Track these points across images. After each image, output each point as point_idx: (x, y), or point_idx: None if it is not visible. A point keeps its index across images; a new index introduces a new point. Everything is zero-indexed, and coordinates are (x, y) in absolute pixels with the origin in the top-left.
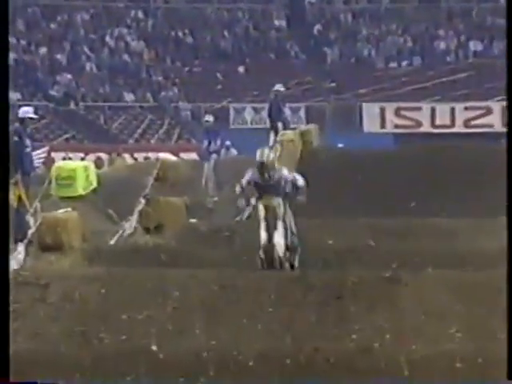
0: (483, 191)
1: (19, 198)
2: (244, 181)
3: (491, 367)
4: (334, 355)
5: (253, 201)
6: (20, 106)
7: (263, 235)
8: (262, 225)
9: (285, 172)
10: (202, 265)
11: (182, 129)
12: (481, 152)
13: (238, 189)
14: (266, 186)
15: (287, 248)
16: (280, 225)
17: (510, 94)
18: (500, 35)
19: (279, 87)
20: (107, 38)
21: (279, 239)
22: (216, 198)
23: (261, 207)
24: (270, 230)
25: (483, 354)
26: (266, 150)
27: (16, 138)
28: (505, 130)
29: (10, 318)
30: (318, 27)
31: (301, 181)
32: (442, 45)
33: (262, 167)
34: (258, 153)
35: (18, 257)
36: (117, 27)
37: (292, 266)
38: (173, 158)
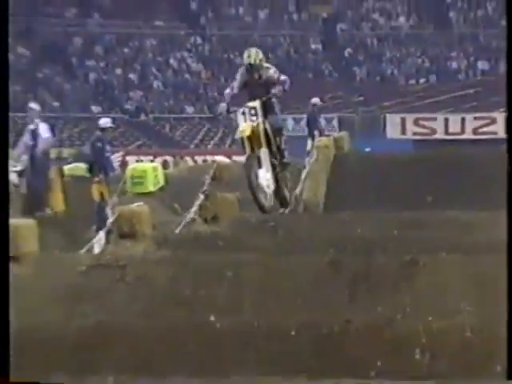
0: (489, 188)
1: (101, 194)
2: (236, 83)
3: (495, 337)
4: (363, 325)
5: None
6: (100, 118)
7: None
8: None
9: (271, 71)
10: (250, 250)
11: (234, 135)
12: (486, 155)
13: (227, 91)
14: (255, 86)
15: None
16: (263, 155)
17: (510, 98)
18: (504, 56)
19: (316, 101)
20: (171, 61)
21: (265, 177)
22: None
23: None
24: (254, 168)
25: (489, 326)
26: (254, 50)
27: (99, 144)
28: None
29: (9, 317)
30: (348, 50)
31: (283, 76)
32: (454, 65)
33: (252, 68)
34: (246, 53)
35: (99, 242)
36: (179, 51)
37: (284, 203)
38: (227, 160)
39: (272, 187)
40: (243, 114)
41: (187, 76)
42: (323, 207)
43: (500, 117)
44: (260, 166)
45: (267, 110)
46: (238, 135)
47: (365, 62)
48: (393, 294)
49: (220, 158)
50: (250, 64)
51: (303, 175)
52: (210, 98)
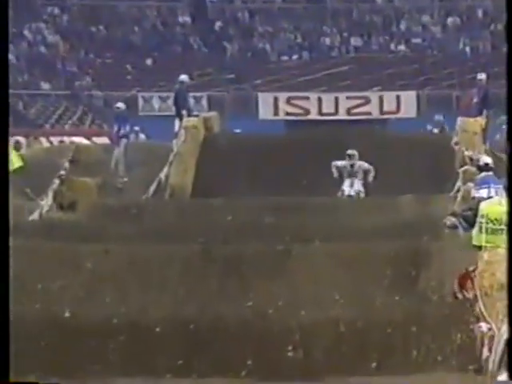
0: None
1: None
2: None
3: (371, 330)
4: (233, 321)
5: None
6: None
7: None
8: None
9: None
10: (111, 239)
11: (94, 115)
12: (360, 136)
13: None
14: None
15: None
16: None
17: (510, 99)
18: (376, 32)
19: (184, 78)
20: (25, 32)
21: None
22: (125, 179)
23: None
24: None
25: (363, 319)
26: None
27: None
28: (381, 117)
29: (9, 317)
30: (218, 24)
31: None
32: (327, 41)
33: None
34: None
35: None
36: (34, 22)
37: None
38: (86, 141)
39: None
40: None
41: (43, 49)
42: (191, 192)
43: (374, 96)
44: None
45: None
46: None
47: (236, 36)
48: (265, 286)
49: (78, 140)
50: None
51: (170, 158)
52: (69, 74)
